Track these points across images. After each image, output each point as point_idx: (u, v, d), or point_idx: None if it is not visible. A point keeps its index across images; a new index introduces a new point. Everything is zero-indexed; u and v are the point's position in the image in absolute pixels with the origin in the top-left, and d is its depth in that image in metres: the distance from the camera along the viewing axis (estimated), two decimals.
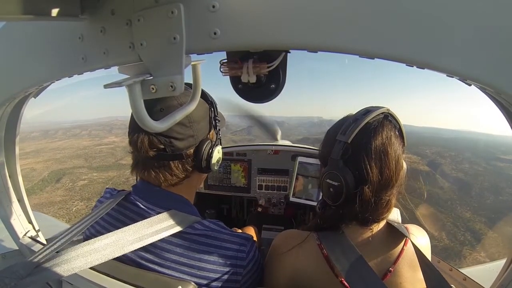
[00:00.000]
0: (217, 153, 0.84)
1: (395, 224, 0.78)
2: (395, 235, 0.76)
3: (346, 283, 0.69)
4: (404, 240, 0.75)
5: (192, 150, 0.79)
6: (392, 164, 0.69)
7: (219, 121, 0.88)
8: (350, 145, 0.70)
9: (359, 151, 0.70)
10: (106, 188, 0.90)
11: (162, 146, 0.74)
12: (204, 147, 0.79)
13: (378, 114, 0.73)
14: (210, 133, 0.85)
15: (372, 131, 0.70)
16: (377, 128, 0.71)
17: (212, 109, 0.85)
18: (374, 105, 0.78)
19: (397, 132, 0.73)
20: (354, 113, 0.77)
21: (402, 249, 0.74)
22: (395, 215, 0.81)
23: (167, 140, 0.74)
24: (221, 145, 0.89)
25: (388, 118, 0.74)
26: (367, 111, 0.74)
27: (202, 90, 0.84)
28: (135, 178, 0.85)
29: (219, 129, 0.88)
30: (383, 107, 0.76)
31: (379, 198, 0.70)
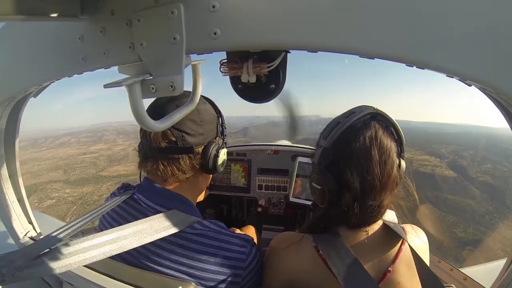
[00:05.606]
0: (223, 155, 0.87)
1: (391, 225, 0.77)
2: (392, 235, 0.75)
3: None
4: (401, 240, 0.75)
5: (200, 149, 0.82)
6: (376, 169, 0.66)
7: (225, 128, 0.91)
8: (330, 150, 0.69)
9: (339, 156, 0.68)
10: (123, 183, 0.93)
11: (174, 139, 0.77)
12: (212, 147, 0.83)
13: (363, 115, 0.70)
14: (217, 137, 0.88)
15: (353, 136, 0.67)
16: (359, 131, 0.68)
17: (220, 118, 0.90)
18: (362, 105, 0.75)
19: (386, 132, 0.70)
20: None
21: (400, 248, 0.74)
22: (390, 215, 0.81)
23: (180, 133, 0.77)
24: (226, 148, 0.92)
25: (377, 118, 0.71)
26: (351, 113, 0.71)
27: (211, 101, 0.89)
28: (139, 178, 0.87)
29: (225, 135, 0.92)
30: (369, 107, 0.72)
31: (363, 203, 0.68)
